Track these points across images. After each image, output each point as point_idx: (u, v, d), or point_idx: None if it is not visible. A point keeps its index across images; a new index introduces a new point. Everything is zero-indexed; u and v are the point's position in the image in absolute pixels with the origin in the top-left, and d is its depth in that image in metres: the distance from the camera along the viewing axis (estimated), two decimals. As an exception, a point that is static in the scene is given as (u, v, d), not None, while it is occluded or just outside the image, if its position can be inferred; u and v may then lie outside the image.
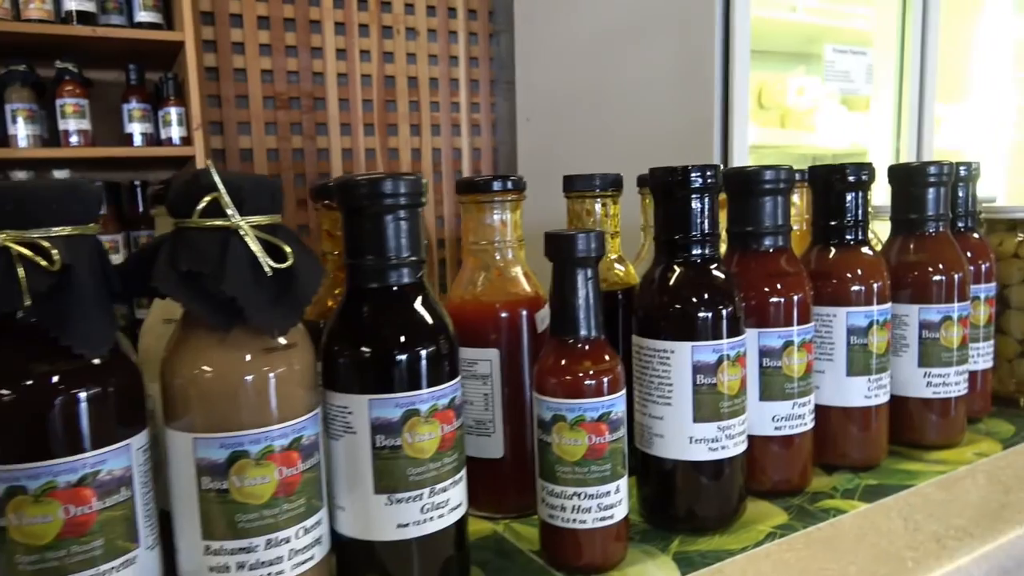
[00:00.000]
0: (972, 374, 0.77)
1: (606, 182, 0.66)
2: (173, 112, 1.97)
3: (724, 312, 0.55)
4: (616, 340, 0.64)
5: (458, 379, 0.47)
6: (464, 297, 0.59)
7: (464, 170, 2.62)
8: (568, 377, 0.50)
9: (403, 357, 0.44)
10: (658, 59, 1.92)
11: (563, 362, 0.50)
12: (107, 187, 2.01)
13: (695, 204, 0.55)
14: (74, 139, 1.90)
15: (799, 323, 0.61)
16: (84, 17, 1.83)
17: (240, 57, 2.24)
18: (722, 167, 0.57)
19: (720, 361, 0.55)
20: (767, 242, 0.61)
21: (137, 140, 1.98)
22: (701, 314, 0.55)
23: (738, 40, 1.76)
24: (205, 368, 0.40)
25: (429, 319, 0.46)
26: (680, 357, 0.54)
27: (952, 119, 2.43)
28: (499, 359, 0.58)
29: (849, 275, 0.65)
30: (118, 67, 2.03)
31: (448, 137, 2.60)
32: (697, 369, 0.54)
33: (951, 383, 0.71)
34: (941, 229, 0.71)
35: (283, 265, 0.40)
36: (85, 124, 1.92)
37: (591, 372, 0.50)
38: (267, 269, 0.40)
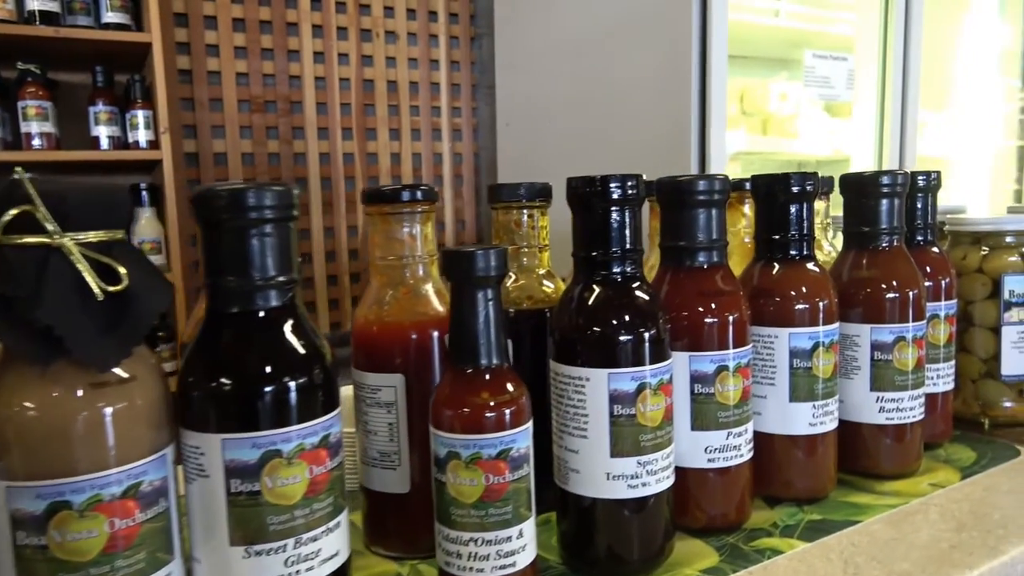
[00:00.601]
0: (931, 397, 0.73)
1: (532, 192, 0.61)
2: (140, 115, 1.92)
3: (646, 335, 0.50)
4: (544, 364, 0.60)
5: (334, 413, 0.42)
6: (368, 317, 0.54)
7: (445, 175, 2.58)
8: (465, 410, 0.45)
9: (262, 390, 0.39)
10: (636, 65, 1.88)
11: (459, 393, 0.46)
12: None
13: (615, 217, 0.51)
14: (37, 142, 1.85)
15: (735, 346, 0.56)
16: (48, 17, 1.78)
17: (215, 60, 2.19)
18: (644, 176, 0.52)
19: (640, 390, 0.50)
20: (700, 258, 0.57)
21: (104, 143, 1.93)
22: (621, 338, 0.50)
23: (715, 45, 1.72)
24: (26, 405, 0.35)
25: (298, 347, 0.41)
26: (596, 385, 0.50)
27: (936, 126, 2.39)
28: (404, 385, 0.53)
29: (793, 293, 0.61)
30: (86, 69, 1.98)
31: (428, 142, 2.55)
32: (614, 399, 0.50)
33: (905, 408, 0.66)
34: (895, 243, 0.67)
35: (117, 288, 0.36)
36: (49, 127, 1.88)
37: (491, 404, 0.45)
38: (97, 293, 0.35)
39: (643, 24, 1.85)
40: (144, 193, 1.98)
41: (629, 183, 0.50)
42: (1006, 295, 0.77)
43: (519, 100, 2.42)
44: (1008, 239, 0.78)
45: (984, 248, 0.79)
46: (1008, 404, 0.80)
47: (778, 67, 2.19)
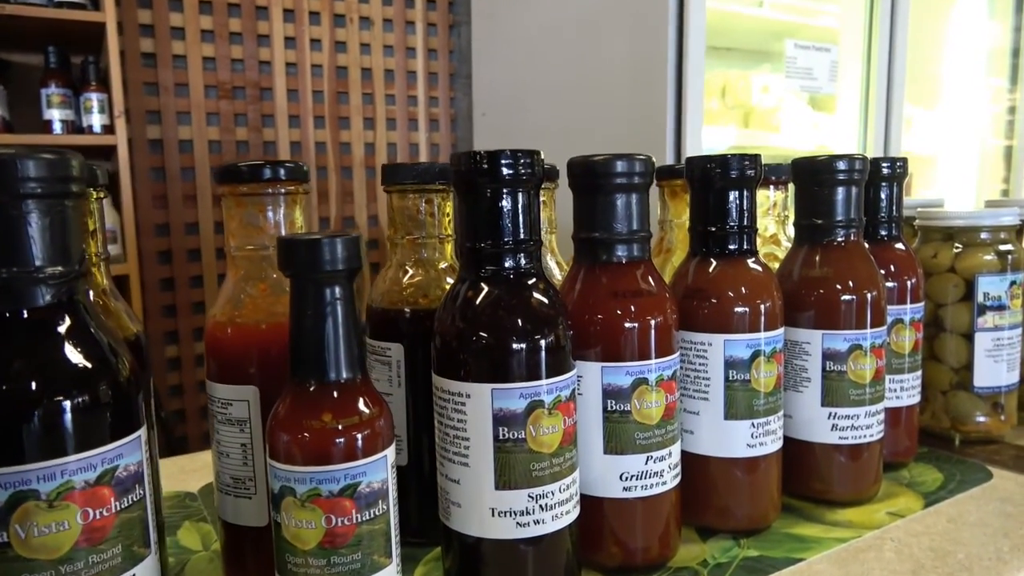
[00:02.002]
0: (894, 411, 0.65)
1: (431, 173, 0.53)
2: (95, 98, 1.84)
3: (542, 343, 0.42)
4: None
5: (124, 441, 0.34)
6: (219, 319, 0.46)
7: (420, 167, 2.49)
8: (303, 435, 0.37)
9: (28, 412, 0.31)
10: (613, 55, 1.80)
11: (297, 414, 0.38)
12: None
13: (505, 202, 0.42)
14: (-18, 125, 1.76)
15: (657, 355, 0.48)
16: (-5, -6, 1.70)
17: (180, 43, 2.11)
18: (543, 155, 0.44)
19: (531, 409, 0.42)
20: (618, 252, 0.48)
21: (56, 128, 1.84)
22: (513, 346, 0.42)
23: (692, 35, 1.64)
24: None
25: (73, 356, 0.33)
26: (478, 403, 0.42)
27: (924, 122, 2.32)
28: (259, 399, 0.45)
29: (730, 293, 0.53)
30: (38, 49, 1.90)
31: (404, 132, 2.47)
32: (500, 420, 0.42)
33: (861, 426, 0.58)
34: (852, 238, 0.58)
35: None
36: (-2, 110, 1.79)
37: (337, 428, 0.37)
38: None
39: (618, 13, 1.78)
40: (97, 180, 1.89)
41: (523, 160, 0.42)
42: (980, 298, 0.69)
43: (497, 90, 2.34)
44: (983, 235, 0.70)
45: (957, 245, 0.71)
46: (981, 419, 0.72)
47: (761, 59, 2.11)
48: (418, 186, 0.53)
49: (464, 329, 0.42)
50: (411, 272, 0.53)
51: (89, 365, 0.33)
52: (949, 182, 2.44)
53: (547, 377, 0.42)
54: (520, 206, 0.43)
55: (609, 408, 0.47)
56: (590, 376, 0.47)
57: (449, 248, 0.55)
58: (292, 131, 2.29)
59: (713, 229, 0.54)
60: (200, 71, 2.15)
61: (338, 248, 0.37)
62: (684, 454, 0.53)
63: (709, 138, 1.87)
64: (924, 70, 2.36)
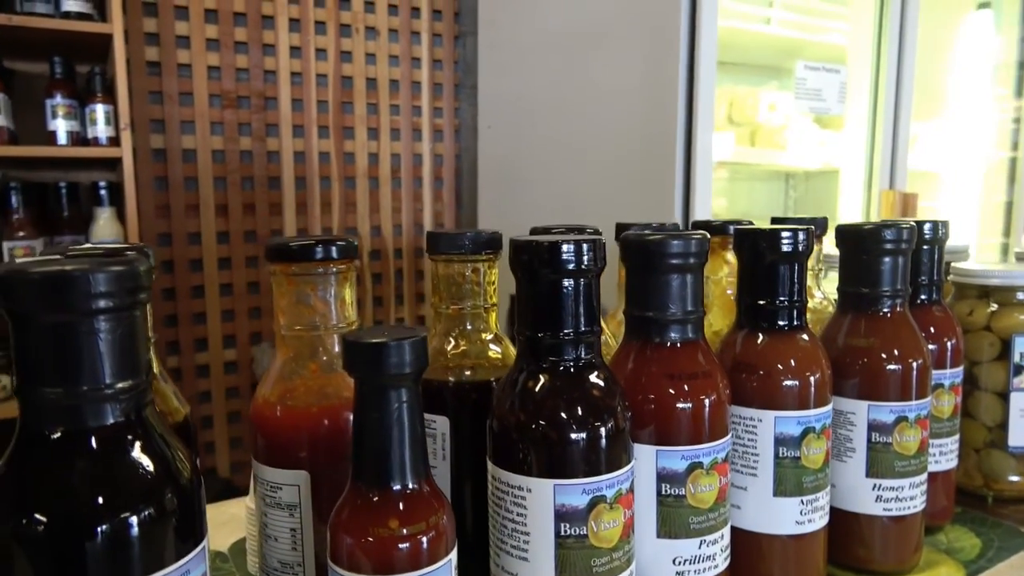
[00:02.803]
0: (932, 475, 0.64)
1: (478, 243, 0.52)
2: (100, 109, 1.82)
3: (603, 439, 0.41)
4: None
5: (191, 555, 0.33)
6: (268, 399, 0.45)
7: (425, 177, 2.49)
8: (368, 540, 0.36)
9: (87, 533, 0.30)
10: (622, 68, 1.79)
11: (360, 519, 0.37)
12: (28, 188, 1.86)
13: (566, 291, 0.42)
14: (-12, 136, 1.74)
15: (710, 438, 0.47)
16: (2, 3, 1.68)
17: (185, 52, 2.09)
18: (600, 235, 0.43)
19: (594, 504, 0.41)
20: (672, 333, 0.48)
21: (62, 138, 1.82)
22: (577, 442, 0.41)
23: (703, 50, 1.63)
24: None
25: (142, 475, 0.32)
26: (539, 498, 0.41)
27: (927, 138, 2.32)
28: (310, 484, 0.44)
29: (779, 366, 0.52)
30: (44, 59, 1.88)
31: (408, 142, 2.46)
32: (561, 515, 0.41)
33: (905, 498, 0.58)
34: (899, 307, 0.58)
35: None
36: (2, 120, 1.77)
37: (403, 534, 0.36)
38: None
39: (628, 26, 1.77)
40: (103, 192, 1.88)
41: (586, 246, 0.41)
42: (1016, 358, 0.69)
43: (501, 102, 2.33)
44: (1020, 295, 0.70)
45: (993, 304, 0.71)
46: (1014, 478, 0.71)
47: (769, 75, 2.11)
48: (463, 256, 0.52)
49: (525, 422, 0.41)
50: (454, 342, 0.52)
51: (156, 483, 0.32)
52: (952, 196, 2.45)
53: (607, 472, 0.42)
54: (581, 294, 0.42)
55: (663, 492, 0.47)
56: (644, 459, 0.46)
57: (494, 317, 0.54)
58: (296, 141, 2.28)
59: (762, 303, 0.53)
60: (205, 80, 2.14)
61: (405, 351, 0.36)
62: (731, 529, 0.52)
63: (716, 154, 1.88)
64: (930, 86, 2.37)
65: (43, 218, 1.88)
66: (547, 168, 2.11)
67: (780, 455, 0.52)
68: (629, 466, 0.43)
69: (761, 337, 0.53)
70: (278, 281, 0.45)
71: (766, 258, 0.52)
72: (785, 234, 0.52)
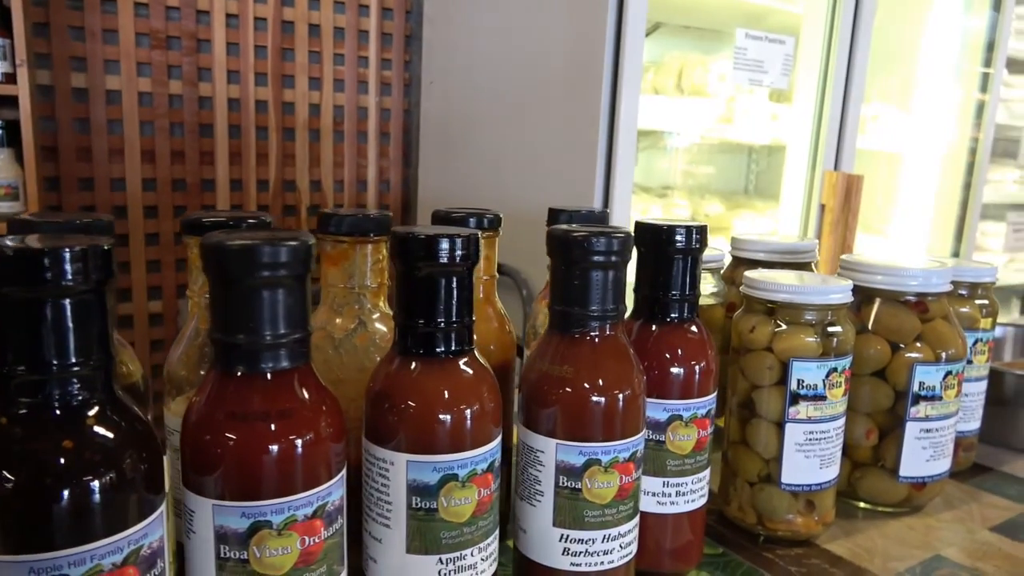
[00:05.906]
0: (666, 519, 0.56)
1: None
2: (-5, 44, 1.72)
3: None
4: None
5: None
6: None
7: (370, 131, 2.39)
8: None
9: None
10: (551, 23, 1.68)
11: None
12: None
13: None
14: None
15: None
16: None
17: (109, -16, 1.98)
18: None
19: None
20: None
21: (-49, 75, 1.73)
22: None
23: (632, 9, 1.51)
24: None
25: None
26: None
27: (891, 118, 2.19)
28: None
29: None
30: (-59, -12, 1.77)
31: (353, 95, 2.35)
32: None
33: (597, 552, 0.49)
34: (608, 331, 0.49)
35: None
36: None
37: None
38: None
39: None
40: (-1, 132, 1.79)
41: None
42: (793, 385, 0.60)
43: (445, 58, 2.21)
44: (808, 315, 0.61)
45: (780, 324, 0.62)
46: (791, 517, 0.63)
47: (725, 41, 1.98)
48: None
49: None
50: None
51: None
52: (912, 178, 2.33)
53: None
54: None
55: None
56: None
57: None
58: (231, 87, 2.18)
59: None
60: (131, 17, 2.03)
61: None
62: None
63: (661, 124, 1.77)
64: (896, 67, 2.24)
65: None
66: (485, 128, 2.01)
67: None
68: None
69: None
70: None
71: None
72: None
